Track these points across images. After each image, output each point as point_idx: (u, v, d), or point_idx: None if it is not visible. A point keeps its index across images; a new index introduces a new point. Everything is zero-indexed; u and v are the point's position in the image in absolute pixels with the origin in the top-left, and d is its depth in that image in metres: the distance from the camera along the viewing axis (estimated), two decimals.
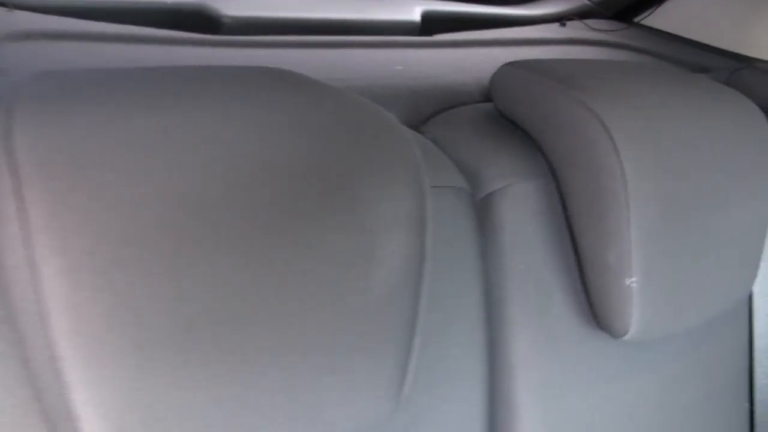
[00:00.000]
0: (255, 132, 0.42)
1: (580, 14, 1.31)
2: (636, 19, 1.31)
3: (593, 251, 0.59)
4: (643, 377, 0.70)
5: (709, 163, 0.61)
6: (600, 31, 1.25)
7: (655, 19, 1.31)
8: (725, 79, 0.95)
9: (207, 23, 0.84)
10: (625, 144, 0.56)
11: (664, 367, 0.72)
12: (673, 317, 0.62)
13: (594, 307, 0.61)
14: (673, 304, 0.61)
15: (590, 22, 1.29)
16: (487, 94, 0.78)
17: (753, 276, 0.69)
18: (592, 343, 0.65)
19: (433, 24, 1.35)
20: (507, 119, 0.67)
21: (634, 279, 0.58)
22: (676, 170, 0.59)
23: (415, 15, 1.32)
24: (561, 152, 0.61)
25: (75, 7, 0.77)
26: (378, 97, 0.76)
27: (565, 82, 0.61)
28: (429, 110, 0.76)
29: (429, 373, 0.58)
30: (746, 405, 0.83)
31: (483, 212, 0.63)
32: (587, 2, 1.32)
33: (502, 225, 0.62)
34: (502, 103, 0.67)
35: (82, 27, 0.73)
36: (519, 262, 0.62)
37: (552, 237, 0.63)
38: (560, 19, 1.30)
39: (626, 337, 0.60)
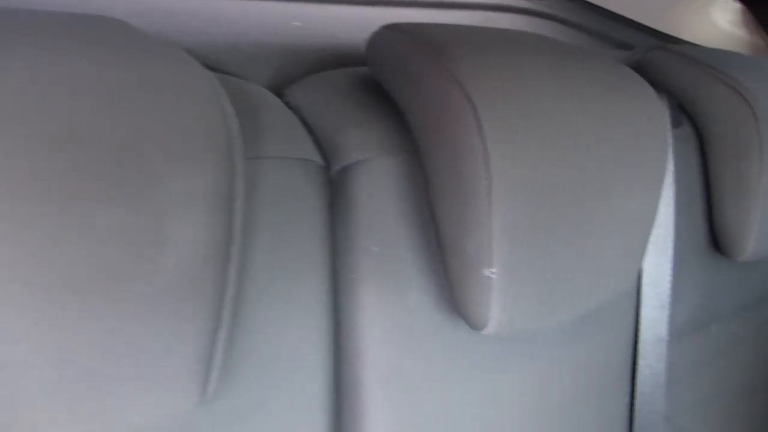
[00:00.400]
0: (58, 87, 0.37)
1: None
2: None
3: (452, 237, 0.54)
4: (511, 371, 0.67)
5: (589, 149, 0.57)
6: None
7: None
8: (638, 58, 0.90)
9: None
10: (493, 124, 0.51)
11: (536, 361, 0.68)
12: (539, 313, 0.58)
13: (454, 297, 0.57)
14: (540, 299, 0.57)
15: None
16: None
17: (635, 269, 0.65)
18: (453, 333, 0.61)
19: None
20: (381, 86, 0.62)
21: (494, 270, 0.53)
22: (550, 156, 0.54)
23: None
24: (424, 127, 0.55)
25: None
26: (250, 55, 0.70)
27: (437, 49, 0.55)
28: (307, 72, 0.70)
29: (262, 364, 0.53)
30: (627, 399, 0.80)
31: (336, 188, 0.58)
32: None
33: (356, 202, 0.57)
34: (375, 68, 0.61)
35: None
36: (372, 244, 0.57)
37: (413, 218, 0.58)
38: None
39: (486, 332, 0.56)
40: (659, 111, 0.65)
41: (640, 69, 0.89)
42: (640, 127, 0.62)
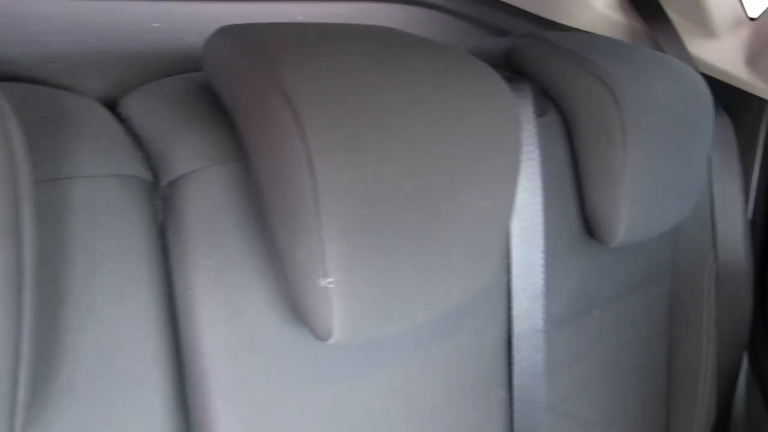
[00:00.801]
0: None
1: None
2: None
3: (285, 247, 0.52)
4: (370, 377, 0.65)
5: (431, 147, 0.55)
6: None
7: None
8: (507, 46, 0.89)
9: None
10: (316, 128, 0.49)
11: (399, 364, 0.67)
12: (388, 318, 0.56)
13: (296, 308, 0.55)
14: (386, 304, 0.55)
15: None
16: None
17: (492, 265, 0.64)
18: (302, 344, 0.59)
19: None
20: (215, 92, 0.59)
21: (330, 280, 0.51)
22: (383, 157, 0.52)
23: None
24: (249, 134, 0.53)
25: None
26: (84, 64, 0.66)
27: (262, 52, 0.53)
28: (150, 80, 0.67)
29: (92, 391, 0.50)
30: (505, 393, 0.80)
31: (167, 203, 0.55)
32: None
33: (187, 216, 0.54)
34: (209, 74, 0.59)
35: None
36: (207, 258, 0.54)
37: (249, 229, 0.56)
38: None
39: (331, 342, 0.54)
40: (511, 103, 0.63)
41: (509, 57, 0.89)
42: (490, 121, 0.60)
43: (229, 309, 0.55)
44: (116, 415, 0.51)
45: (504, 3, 1.20)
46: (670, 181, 0.86)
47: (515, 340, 0.78)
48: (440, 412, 0.72)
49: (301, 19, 1.02)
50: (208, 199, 0.54)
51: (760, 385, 1.26)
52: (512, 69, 0.87)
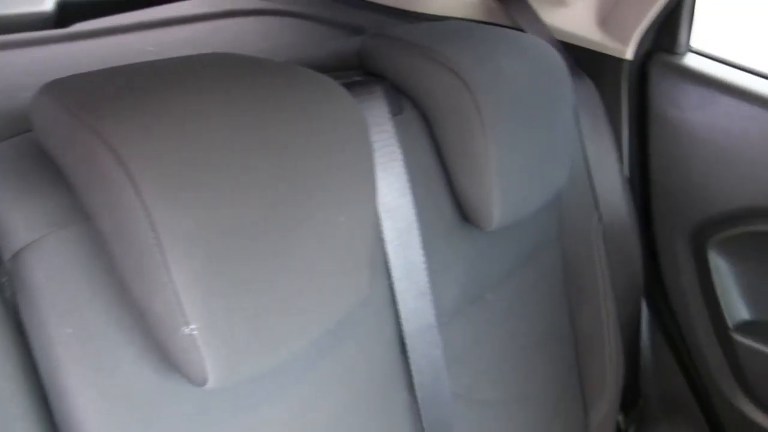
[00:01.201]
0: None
1: None
2: None
3: (142, 302, 0.51)
4: (264, 410, 0.64)
5: (274, 176, 0.54)
6: None
7: None
8: (358, 47, 0.89)
9: None
10: (150, 179, 0.48)
11: (291, 391, 0.66)
12: (264, 351, 0.55)
13: (168, 358, 0.53)
14: (259, 338, 0.54)
15: None
16: None
17: (364, 276, 0.64)
18: (184, 390, 0.57)
19: (71, 12, 1.21)
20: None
21: (193, 327, 0.50)
22: (225, 196, 0.51)
23: (46, 5, 1.17)
24: (84, 193, 0.51)
25: None
26: None
27: (82, 105, 0.51)
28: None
29: None
30: (404, 395, 0.80)
31: (13, 277, 0.52)
32: None
33: (37, 288, 0.52)
34: (38, 134, 0.56)
35: None
36: (65, 327, 0.52)
37: (105, 288, 0.54)
38: None
39: (210, 386, 0.52)
40: (353, 110, 0.63)
41: (361, 57, 0.88)
42: (334, 133, 0.60)
43: (99, 374, 0.53)
44: None
45: (358, 0, 1.20)
46: (538, 156, 0.88)
47: (408, 341, 0.78)
48: (345, 429, 0.72)
49: (151, 49, 0.99)
50: (56, 266, 0.52)
51: (662, 330, 1.31)
52: (365, 70, 0.87)
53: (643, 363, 1.34)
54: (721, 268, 1.20)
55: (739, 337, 1.20)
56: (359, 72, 0.86)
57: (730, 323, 1.21)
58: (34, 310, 0.52)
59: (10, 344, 0.52)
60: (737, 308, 1.22)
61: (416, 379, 0.79)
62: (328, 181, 0.59)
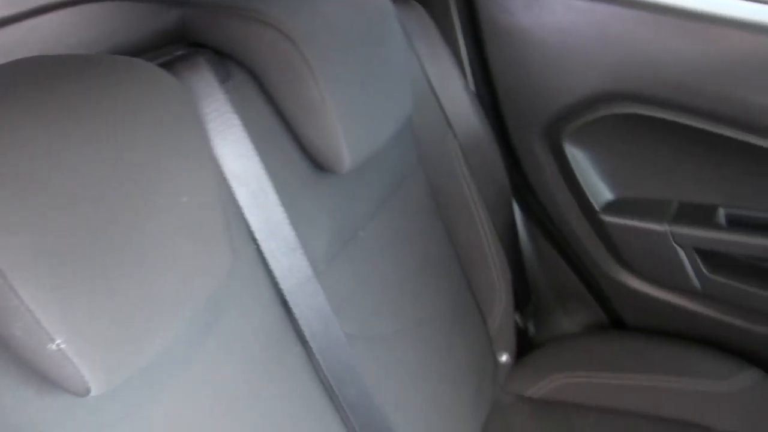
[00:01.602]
0: None
1: None
2: None
3: (3, 331, 0.51)
4: (162, 397, 0.65)
5: (104, 173, 0.54)
6: None
7: None
8: (181, 20, 0.88)
9: None
10: None
11: (184, 371, 0.67)
12: (140, 346, 0.56)
13: (47, 377, 0.54)
14: (130, 335, 0.55)
15: None
16: None
17: (225, 248, 0.65)
18: (76, 403, 0.58)
19: None
20: None
21: (59, 341, 0.50)
22: (59, 205, 0.51)
23: None
24: None
25: None
26: None
27: None
28: None
29: None
30: (298, 349, 0.82)
31: None
32: None
33: None
34: None
35: None
36: None
37: None
38: None
39: (94, 393, 0.54)
40: (173, 89, 0.63)
41: (183, 30, 0.87)
42: (156, 117, 0.60)
43: None
44: None
45: None
46: (375, 91, 0.89)
47: (289, 297, 0.80)
48: (248, 405, 0.74)
49: None
50: None
51: (537, 226, 1.37)
52: (190, 41, 0.86)
53: (526, 261, 1.41)
54: (577, 157, 1.26)
55: (607, 218, 1.27)
56: (182, 45, 0.85)
57: (596, 206, 1.28)
58: None
59: None
60: (600, 191, 1.29)
61: (306, 331, 0.81)
62: (162, 167, 0.59)
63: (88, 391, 0.53)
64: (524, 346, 1.37)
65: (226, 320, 0.73)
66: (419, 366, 1.04)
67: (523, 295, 1.37)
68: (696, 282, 1.26)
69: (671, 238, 1.22)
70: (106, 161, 0.55)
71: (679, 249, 1.23)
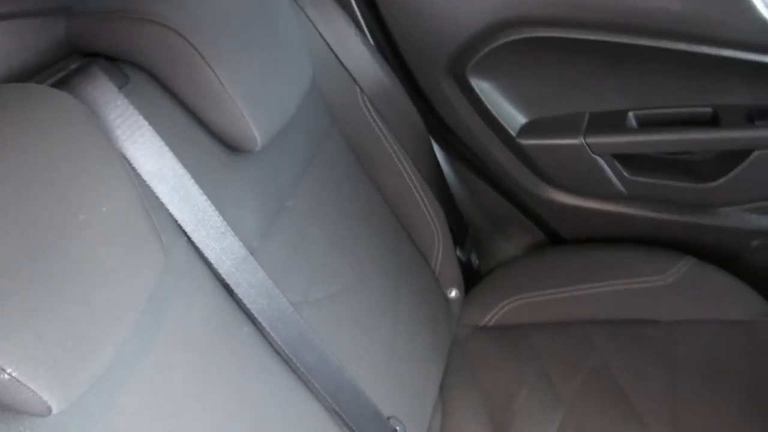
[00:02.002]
0: None
1: None
2: None
3: None
4: (123, 401, 0.67)
5: (19, 201, 0.55)
6: None
7: None
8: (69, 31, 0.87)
9: None
10: None
11: (140, 373, 0.70)
12: (90, 358, 0.59)
13: (5, 407, 0.55)
14: (78, 349, 0.57)
15: None
16: None
17: (155, 246, 0.67)
18: (39, 425, 0.60)
19: None
20: None
21: (10, 371, 0.52)
22: None
23: None
24: None
25: None
26: None
27: None
28: None
29: None
30: (246, 329, 0.84)
31: None
32: None
33: None
34: None
35: None
36: None
37: None
38: None
39: (55, 411, 0.56)
40: (69, 104, 0.64)
41: (72, 42, 0.87)
42: (59, 138, 0.61)
43: None
44: None
45: None
46: (272, 65, 0.91)
47: (229, 279, 0.82)
48: (210, 392, 0.76)
49: None
50: None
51: (460, 161, 1.41)
52: (81, 52, 0.86)
53: (457, 197, 1.45)
54: (485, 88, 1.29)
55: (524, 141, 1.31)
56: (76, 57, 0.85)
57: (512, 132, 1.31)
58: None
59: None
60: (514, 117, 1.33)
61: (253, 309, 0.84)
62: (76, 184, 0.60)
63: (49, 411, 0.55)
64: (472, 279, 1.41)
65: (172, 315, 0.74)
66: (371, 319, 1.07)
67: (460, 231, 1.40)
68: (620, 186, 1.31)
69: (588, 150, 1.27)
70: (21, 190, 0.56)
71: (598, 158, 1.28)
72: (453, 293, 1.31)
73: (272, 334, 0.85)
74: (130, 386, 0.68)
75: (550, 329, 1.26)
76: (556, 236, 1.46)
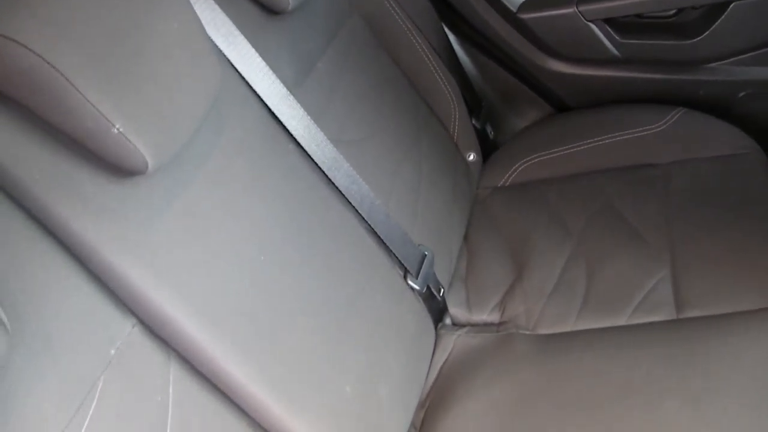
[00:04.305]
0: None
1: None
2: None
3: (65, 128, 0.70)
4: (195, 186, 0.85)
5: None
6: None
7: None
8: None
9: None
10: None
11: (211, 161, 0.87)
12: (178, 125, 0.77)
13: (110, 159, 0.72)
14: (171, 119, 0.75)
15: None
16: None
17: (216, 69, 0.84)
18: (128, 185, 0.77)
19: None
20: None
21: (118, 126, 0.69)
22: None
23: None
24: None
25: None
26: None
27: None
28: None
29: None
30: (292, 146, 1.02)
31: None
32: None
33: None
34: None
35: None
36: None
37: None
38: None
39: (150, 168, 0.73)
40: None
41: None
42: None
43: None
44: None
45: None
46: None
47: (274, 109, 0.99)
48: (257, 193, 0.93)
49: None
50: None
51: (468, 42, 1.57)
52: None
53: (468, 73, 1.61)
54: None
55: (524, 15, 1.46)
56: None
57: (512, 8, 1.47)
58: None
59: None
60: None
61: (294, 133, 1.01)
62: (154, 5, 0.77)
63: (146, 166, 0.73)
64: (488, 150, 1.57)
65: (229, 126, 0.92)
66: (394, 165, 1.24)
67: (474, 103, 1.57)
68: (614, 50, 1.46)
69: (582, 17, 1.42)
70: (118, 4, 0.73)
71: (591, 25, 1.43)
72: (471, 156, 1.48)
73: (311, 154, 1.02)
74: (197, 173, 0.85)
75: (561, 181, 1.42)
76: (562, 105, 1.61)
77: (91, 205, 0.75)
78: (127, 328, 0.76)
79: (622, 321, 1.14)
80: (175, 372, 0.79)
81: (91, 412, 0.70)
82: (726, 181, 1.31)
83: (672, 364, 1.02)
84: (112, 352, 0.74)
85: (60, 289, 0.72)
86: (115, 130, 0.70)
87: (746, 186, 1.29)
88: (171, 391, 0.78)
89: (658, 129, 1.42)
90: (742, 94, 1.46)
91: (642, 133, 1.43)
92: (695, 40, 1.39)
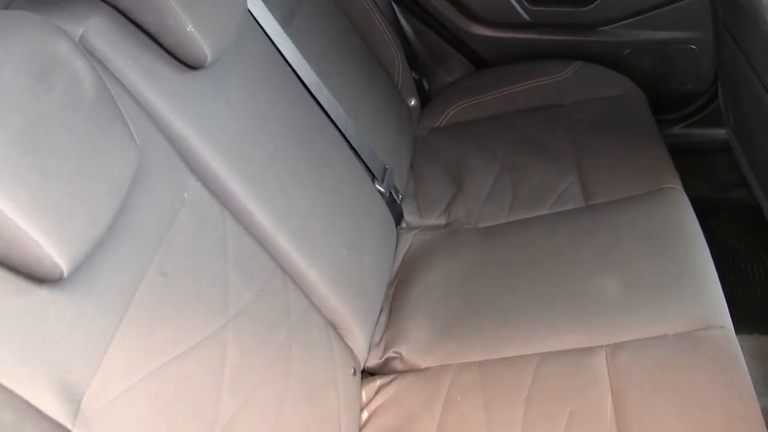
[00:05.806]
0: None
1: None
2: None
3: None
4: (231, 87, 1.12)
5: None
6: None
7: None
8: None
9: None
10: None
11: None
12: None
13: None
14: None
15: None
16: None
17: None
18: None
19: None
20: None
21: None
22: None
23: None
24: None
25: None
26: None
27: None
28: None
29: None
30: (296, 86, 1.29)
31: None
32: None
33: None
34: None
35: None
36: None
37: None
38: None
39: None
40: None
41: None
42: None
43: None
44: None
45: None
46: None
47: (275, 40, 1.26)
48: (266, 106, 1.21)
49: None
50: None
51: (407, 9, 1.87)
52: None
53: (408, 36, 1.93)
54: None
55: None
56: None
57: None
58: None
59: None
60: None
61: (290, 60, 1.28)
62: None
63: (206, 59, 0.99)
64: (424, 99, 1.88)
65: (246, 46, 1.18)
66: (358, 100, 1.52)
67: (413, 60, 1.88)
68: (525, 15, 1.79)
69: None
70: None
71: None
72: (412, 102, 1.78)
73: (301, 78, 1.30)
74: (233, 77, 1.12)
75: (486, 121, 1.75)
76: (483, 62, 1.94)
77: (168, 86, 1.00)
78: (192, 181, 1.01)
79: (544, 212, 1.46)
80: (225, 219, 1.04)
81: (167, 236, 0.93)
82: (614, 114, 1.67)
83: (585, 231, 1.35)
84: (185, 195, 0.98)
85: (144, 146, 0.90)
86: (189, 29, 0.96)
87: (628, 116, 1.65)
88: (226, 234, 1.02)
89: (562, 77, 1.76)
90: (627, 51, 1.82)
91: (548, 81, 1.77)
92: (590, 7, 1.73)
